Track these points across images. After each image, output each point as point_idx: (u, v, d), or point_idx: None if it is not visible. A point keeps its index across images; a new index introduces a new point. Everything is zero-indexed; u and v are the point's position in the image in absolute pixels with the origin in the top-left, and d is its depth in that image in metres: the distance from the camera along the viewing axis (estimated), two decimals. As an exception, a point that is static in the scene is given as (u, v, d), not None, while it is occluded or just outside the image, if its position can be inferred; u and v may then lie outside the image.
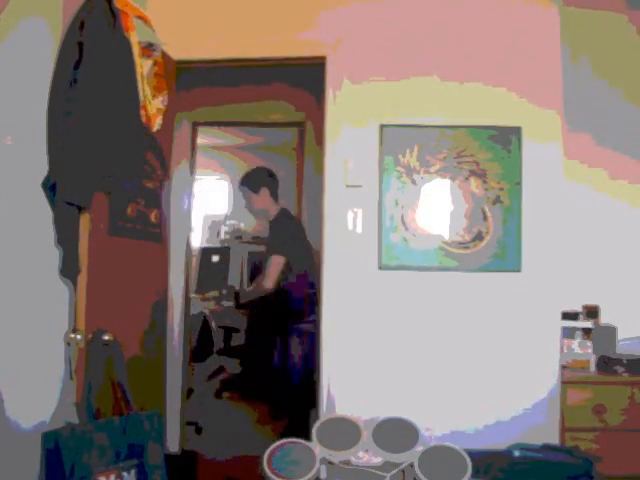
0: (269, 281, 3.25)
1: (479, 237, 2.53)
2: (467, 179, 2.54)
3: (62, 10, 1.94)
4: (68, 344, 1.93)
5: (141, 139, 2.09)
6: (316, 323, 3.55)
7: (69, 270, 1.91)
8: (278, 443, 2.05)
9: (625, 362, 2.51)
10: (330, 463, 2.05)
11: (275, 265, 3.23)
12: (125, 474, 1.80)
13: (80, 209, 1.91)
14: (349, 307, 2.55)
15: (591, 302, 2.71)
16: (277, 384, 3.54)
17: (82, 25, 1.87)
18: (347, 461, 2.06)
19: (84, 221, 1.94)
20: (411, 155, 2.55)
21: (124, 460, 1.81)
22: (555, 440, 2.40)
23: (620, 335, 2.67)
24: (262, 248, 3.59)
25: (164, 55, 2.41)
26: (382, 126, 2.57)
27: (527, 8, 2.56)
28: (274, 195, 3.35)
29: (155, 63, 2.28)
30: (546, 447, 2.27)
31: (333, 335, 2.56)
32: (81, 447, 1.72)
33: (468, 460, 1.96)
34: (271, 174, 3.46)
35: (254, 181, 3.37)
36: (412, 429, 2.14)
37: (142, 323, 2.42)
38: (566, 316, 2.59)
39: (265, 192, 3.32)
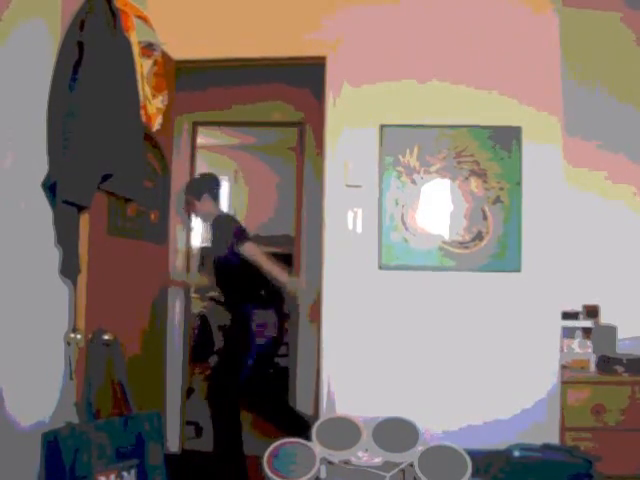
0: (261, 260, 3.27)
1: (479, 237, 2.53)
2: (467, 179, 2.54)
3: (61, 10, 1.94)
4: (68, 344, 1.93)
5: (141, 139, 2.09)
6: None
7: (69, 270, 1.91)
8: (278, 443, 2.05)
9: (625, 362, 2.51)
10: (330, 463, 2.05)
11: (253, 249, 3.26)
12: (125, 474, 1.80)
13: (80, 209, 1.91)
14: (349, 307, 2.55)
15: (591, 302, 2.71)
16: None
17: (82, 25, 1.87)
18: (347, 461, 2.06)
19: (84, 221, 1.94)
20: (411, 155, 2.55)
21: (124, 460, 1.82)
22: (555, 440, 2.40)
23: (620, 335, 2.67)
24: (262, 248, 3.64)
25: (164, 55, 2.41)
26: (382, 126, 2.57)
27: (527, 11, 2.56)
28: (215, 199, 3.44)
29: (155, 63, 2.28)
30: (546, 447, 2.27)
31: (333, 335, 2.56)
32: (81, 447, 1.72)
33: (468, 460, 1.97)
34: (212, 180, 3.56)
35: (197, 189, 3.45)
36: (412, 429, 2.14)
37: (142, 323, 2.42)
38: (566, 316, 2.59)
39: (207, 198, 3.40)
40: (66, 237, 1.90)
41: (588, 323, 2.63)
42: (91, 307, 1.97)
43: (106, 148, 1.88)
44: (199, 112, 3.90)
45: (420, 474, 1.94)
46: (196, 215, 3.59)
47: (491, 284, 2.53)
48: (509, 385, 2.48)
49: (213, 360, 5.34)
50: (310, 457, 2.00)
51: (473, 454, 2.00)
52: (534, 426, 2.42)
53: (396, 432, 2.13)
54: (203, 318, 5.44)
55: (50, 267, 1.92)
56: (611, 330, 2.67)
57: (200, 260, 5.81)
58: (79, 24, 1.88)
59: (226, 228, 3.36)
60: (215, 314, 5.51)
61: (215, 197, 3.44)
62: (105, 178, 1.91)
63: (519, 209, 2.52)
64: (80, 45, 1.86)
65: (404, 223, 2.55)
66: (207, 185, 3.46)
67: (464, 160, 2.55)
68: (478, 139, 2.54)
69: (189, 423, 3.79)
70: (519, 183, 2.53)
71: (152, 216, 2.45)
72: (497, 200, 2.53)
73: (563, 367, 2.52)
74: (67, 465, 1.68)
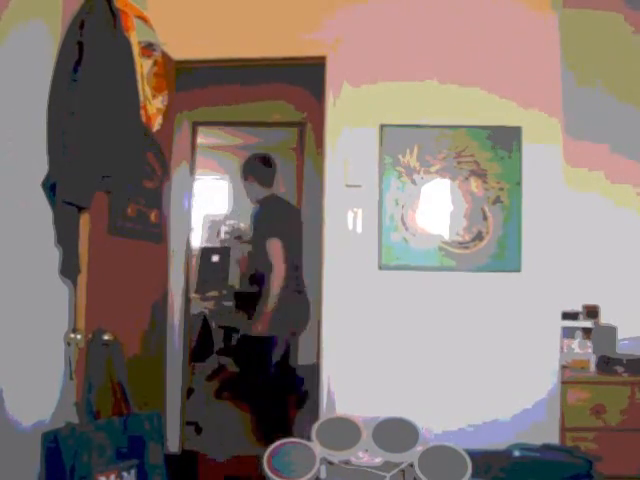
0: (277, 264, 3.33)
1: (479, 237, 2.53)
2: (467, 179, 2.54)
3: (62, 10, 1.94)
4: (68, 344, 1.93)
5: (141, 139, 2.09)
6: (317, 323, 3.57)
7: (69, 270, 1.91)
8: (278, 443, 2.05)
9: (625, 362, 2.51)
10: (330, 463, 2.05)
11: (276, 249, 3.33)
12: (125, 474, 1.80)
13: (80, 209, 1.91)
14: (349, 307, 2.55)
15: (591, 302, 2.71)
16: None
17: (82, 25, 1.87)
18: (347, 461, 2.06)
19: (84, 221, 1.94)
20: (411, 155, 2.55)
21: (124, 460, 1.81)
22: (555, 440, 2.40)
23: (620, 335, 2.67)
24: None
25: (164, 55, 2.41)
26: (382, 126, 2.57)
27: (527, 11, 2.56)
28: (263, 181, 3.54)
29: (155, 63, 2.28)
30: (546, 447, 2.27)
31: (333, 335, 2.56)
32: (81, 447, 1.72)
33: (468, 460, 1.97)
34: (264, 161, 3.63)
35: (244, 168, 3.61)
36: (412, 429, 2.14)
37: (142, 323, 2.42)
38: (566, 316, 2.59)
39: (252, 179, 3.54)
40: (66, 237, 1.90)
41: (588, 323, 2.63)
42: (91, 307, 1.97)
43: (106, 149, 1.88)
44: (199, 112, 3.90)
45: (420, 474, 1.94)
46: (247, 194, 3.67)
47: (491, 284, 2.53)
48: (509, 385, 2.48)
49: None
50: (310, 457, 2.00)
51: (473, 454, 2.00)
52: (534, 426, 2.42)
53: (396, 432, 2.14)
54: (203, 318, 5.43)
55: (50, 267, 1.92)
56: (611, 330, 2.66)
57: (200, 260, 5.82)
58: (79, 24, 1.88)
59: (269, 210, 3.46)
60: (216, 314, 5.52)
61: (260, 179, 3.53)
62: (104, 176, 1.91)
63: (519, 209, 2.52)
64: (80, 45, 1.86)
65: (404, 223, 2.55)
66: (251, 166, 3.59)
67: (464, 160, 2.55)
68: (478, 139, 2.54)
69: (189, 423, 3.79)
70: (519, 183, 2.53)
71: (152, 216, 2.45)
72: (497, 200, 2.53)
73: (563, 367, 2.52)
74: (67, 465, 1.68)
